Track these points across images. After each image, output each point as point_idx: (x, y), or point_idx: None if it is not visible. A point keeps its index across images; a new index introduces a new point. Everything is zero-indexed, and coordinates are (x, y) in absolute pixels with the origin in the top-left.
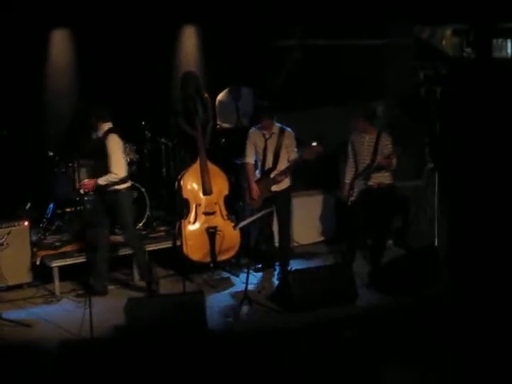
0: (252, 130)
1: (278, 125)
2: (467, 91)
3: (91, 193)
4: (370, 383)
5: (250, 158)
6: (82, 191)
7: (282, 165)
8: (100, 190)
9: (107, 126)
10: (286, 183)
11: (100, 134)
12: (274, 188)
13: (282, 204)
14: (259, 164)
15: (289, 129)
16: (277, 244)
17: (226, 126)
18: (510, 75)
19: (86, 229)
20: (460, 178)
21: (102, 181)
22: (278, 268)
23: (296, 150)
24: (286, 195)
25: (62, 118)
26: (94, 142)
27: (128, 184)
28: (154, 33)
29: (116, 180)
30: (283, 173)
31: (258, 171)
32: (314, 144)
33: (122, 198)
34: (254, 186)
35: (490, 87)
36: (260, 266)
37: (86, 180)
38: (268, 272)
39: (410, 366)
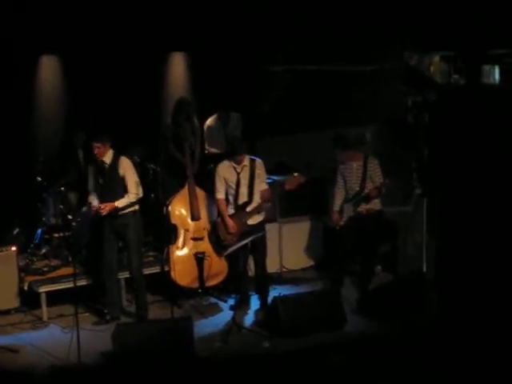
0: (221, 165)
1: (247, 156)
2: (455, 117)
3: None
4: None
5: (222, 194)
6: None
7: (257, 197)
8: (109, 215)
9: (110, 149)
10: (261, 216)
11: (107, 158)
12: (250, 221)
13: (260, 237)
14: (231, 199)
15: (258, 159)
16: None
17: (214, 151)
18: (498, 102)
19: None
20: (448, 204)
21: (120, 203)
22: (253, 301)
23: (265, 179)
24: (261, 228)
25: (50, 144)
26: (98, 168)
27: (138, 206)
28: (142, 59)
29: (135, 200)
30: (260, 207)
31: (230, 206)
32: (296, 174)
33: (135, 219)
34: (230, 221)
35: (478, 113)
36: (233, 303)
37: (101, 204)
38: (241, 310)
39: None
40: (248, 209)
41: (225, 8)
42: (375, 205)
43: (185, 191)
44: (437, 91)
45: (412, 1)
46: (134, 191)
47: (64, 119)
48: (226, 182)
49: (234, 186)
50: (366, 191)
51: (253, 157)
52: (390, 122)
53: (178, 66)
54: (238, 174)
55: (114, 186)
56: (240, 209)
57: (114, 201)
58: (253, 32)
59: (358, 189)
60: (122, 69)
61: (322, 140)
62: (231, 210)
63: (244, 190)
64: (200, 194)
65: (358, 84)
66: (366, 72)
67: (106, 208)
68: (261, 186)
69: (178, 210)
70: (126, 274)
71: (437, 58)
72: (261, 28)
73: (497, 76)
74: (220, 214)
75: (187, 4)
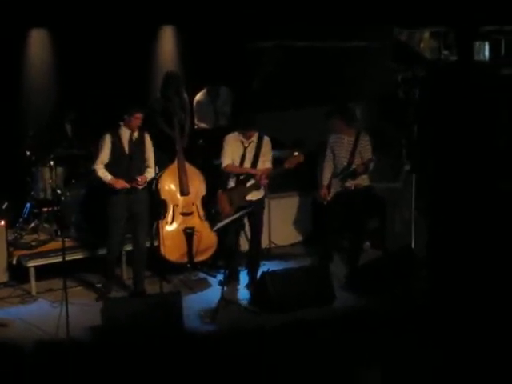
0: (230, 136)
1: (256, 133)
2: (446, 94)
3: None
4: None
5: (228, 161)
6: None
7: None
8: (126, 191)
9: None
10: (260, 193)
11: (134, 129)
12: (249, 197)
13: (255, 213)
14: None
15: (266, 137)
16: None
17: (203, 126)
18: (488, 79)
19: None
20: (437, 180)
21: (149, 176)
22: (242, 276)
23: (271, 158)
24: (260, 205)
25: (40, 119)
26: (120, 140)
27: None
28: (132, 33)
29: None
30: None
31: (231, 179)
32: (296, 154)
33: (148, 194)
34: (251, 170)
35: (469, 90)
36: (222, 278)
37: (140, 177)
38: (230, 285)
39: (386, 366)
40: (248, 184)
41: None
42: (363, 180)
43: (174, 166)
44: (427, 67)
45: None
46: (154, 165)
47: (53, 94)
48: (232, 154)
49: (238, 160)
50: (354, 167)
51: (261, 134)
52: (379, 98)
53: (167, 40)
54: (245, 148)
55: (140, 159)
56: (240, 183)
57: (139, 174)
58: (243, 7)
59: (345, 164)
60: (112, 43)
61: (312, 116)
62: (232, 183)
63: (248, 164)
64: (189, 168)
65: (348, 60)
66: (356, 48)
67: (142, 180)
68: (264, 164)
69: (168, 185)
70: (129, 247)
71: (427, 35)
72: (252, 3)
73: (487, 52)
74: (237, 174)
75: None
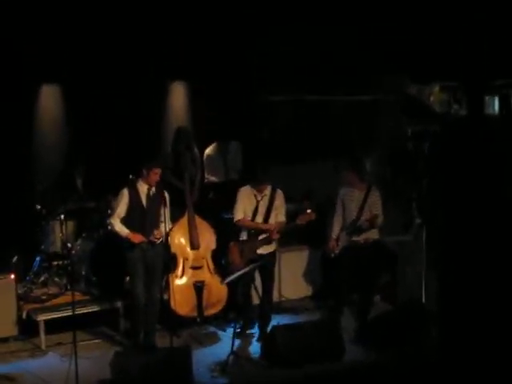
0: (244, 189)
1: (269, 186)
2: (457, 148)
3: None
4: None
5: (241, 215)
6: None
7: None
8: (142, 246)
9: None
10: (272, 246)
11: (152, 184)
12: (260, 251)
13: (267, 267)
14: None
15: (279, 190)
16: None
17: (213, 179)
18: (499, 133)
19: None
20: (447, 233)
21: (165, 230)
22: (256, 329)
23: (284, 212)
24: (272, 258)
25: (50, 173)
26: (137, 195)
27: None
28: (143, 88)
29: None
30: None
31: (244, 233)
32: (309, 211)
33: (163, 250)
34: (264, 225)
35: (480, 145)
36: (233, 332)
37: (156, 231)
38: (245, 337)
39: None
40: (260, 237)
41: (227, 38)
42: (373, 234)
43: (184, 220)
44: (437, 121)
45: (413, 31)
46: (169, 221)
47: (64, 148)
48: (244, 207)
49: (251, 213)
50: (360, 222)
51: (275, 186)
52: (390, 151)
53: (178, 96)
54: (258, 201)
55: (157, 214)
56: (252, 236)
57: (156, 228)
58: (253, 63)
59: (354, 218)
60: (123, 98)
61: (321, 170)
62: (244, 236)
63: (260, 218)
64: (200, 222)
65: (357, 114)
66: (365, 102)
67: (159, 234)
68: (277, 217)
69: (178, 238)
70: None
71: (437, 88)
72: (262, 59)
73: (497, 106)
74: (248, 228)
75: (190, 33)
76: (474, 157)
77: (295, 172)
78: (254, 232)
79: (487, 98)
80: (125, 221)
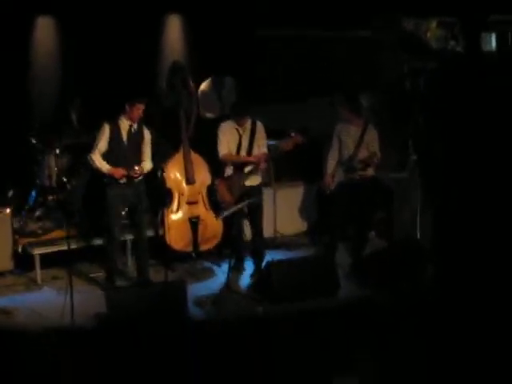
0: (225, 124)
1: (249, 119)
2: (455, 85)
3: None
4: (344, 373)
5: (225, 149)
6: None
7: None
8: (122, 185)
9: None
10: (258, 179)
11: (135, 120)
12: (248, 183)
13: (254, 201)
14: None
15: (259, 122)
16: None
17: (208, 115)
18: (495, 69)
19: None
20: (444, 170)
21: (147, 168)
22: (248, 263)
23: (265, 143)
24: (259, 190)
25: (46, 107)
26: (118, 131)
27: None
28: (138, 21)
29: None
30: (257, 168)
31: (229, 167)
32: (293, 134)
33: (145, 187)
34: (248, 158)
35: (477, 81)
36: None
37: (137, 167)
38: (235, 274)
39: (385, 359)
40: (246, 170)
41: None
42: (369, 170)
43: (180, 155)
44: (434, 57)
45: None
46: (150, 159)
47: (59, 82)
48: (228, 142)
49: (235, 147)
50: (358, 159)
51: (254, 119)
52: (386, 88)
53: (174, 29)
54: (240, 135)
55: (137, 151)
56: (238, 170)
57: (137, 165)
58: None
59: (351, 153)
60: (118, 31)
61: (317, 107)
62: (229, 171)
63: (243, 151)
64: (195, 157)
65: (353, 50)
66: (362, 38)
67: (140, 171)
68: (260, 149)
69: (173, 173)
70: (130, 236)
71: (434, 24)
72: None
73: (494, 43)
74: (234, 162)
75: None
76: (471, 93)
77: (292, 109)
78: (240, 165)
79: (485, 34)
80: (105, 156)
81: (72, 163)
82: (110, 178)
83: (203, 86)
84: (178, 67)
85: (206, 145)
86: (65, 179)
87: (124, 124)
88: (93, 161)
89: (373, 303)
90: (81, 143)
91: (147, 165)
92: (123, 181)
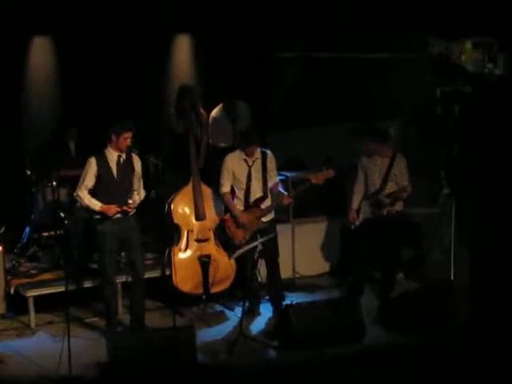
0: (231, 156)
1: (258, 148)
2: (492, 112)
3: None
4: None
5: (228, 187)
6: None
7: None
8: (113, 221)
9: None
10: (272, 213)
11: (123, 150)
12: (264, 219)
13: (271, 237)
14: (240, 194)
15: (269, 151)
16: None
17: (220, 144)
18: None
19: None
20: (479, 204)
21: (138, 201)
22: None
23: (276, 172)
24: (273, 226)
25: (41, 135)
26: (106, 163)
27: None
28: (144, 42)
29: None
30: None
31: (239, 203)
32: (325, 169)
33: (137, 221)
34: (242, 213)
35: None
36: (241, 311)
37: (131, 200)
38: (250, 318)
39: None
40: (263, 205)
41: None
42: (397, 205)
43: (189, 188)
44: (469, 82)
45: None
46: (142, 190)
47: (56, 109)
48: (235, 176)
49: (244, 181)
50: (386, 193)
51: (263, 149)
52: (416, 115)
53: (182, 50)
54: (250, 167)
55: (128, 183)
56: (253, 205)
57: (125, 200)
58: (264, 15)
59: (378, 187)
60: (122, 52)
61: (339, 134)
62: (239, 206)
63: (256, 184)
64: (206, 191)
65: (378, 73)
66: (381, 60)
67: (134, 204)
68: (271, 179)
69: (182, 208)
70: (123, 279)
71: (468, 45)
72: (273, 11)
73: None
74: (229, 209)
75: None
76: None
77: (309, 137)
78: (256, 200)
79: None
80: (93, 193)
81: (70, 196)
82: (102, 214)
83: (214, 112)
84: (186, 90)
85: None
86: (62, 214)
87: (112, 155)
88: (81, 198)
89: (402, 350)
90: (79, 174)
91: (140, 196)
92: (117, 216)
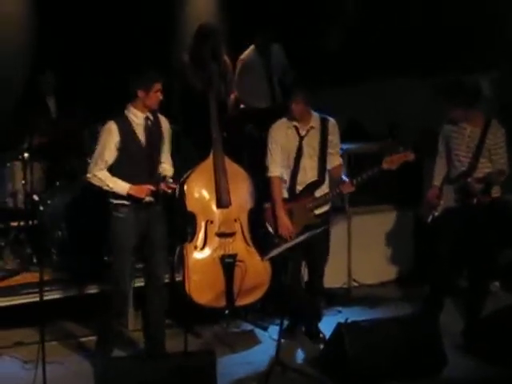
0: (278, 125)
1: (316, 114)
2: None
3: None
4: None
5: (277, 168)
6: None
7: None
8: (142, 204)
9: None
10: (328, 205)
11: (154, 106)
12: (318, 211)
13: (321, 233)
14: (286, 175)
15: (332, 119)
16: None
17: (253, 103)
18: None
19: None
20: None
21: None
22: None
23: (339, 150)
24: (326, 220)
25: (10, 89)
26: (129, 126)
27: None
28: None
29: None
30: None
31: (284, 187)
32: (401, 149)
33: (162, 211)
34: (285, 219)
35: None
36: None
37: (171, 179)
38: (296, 338)
39: None
40: (317, 193)
41: None
42: (492, 192)
43: (208, 164)
44: None
45: None
46: (170, 162)
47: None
48: (283, 151)
49: (292, 157)
50: (477, 175)
51: (325, 116)
52: None
53: None
54: (302, 138)
55: (157, 154)
56: (305, 192)
57: (154, 176)
58: None
59: (467, 164)
60: None
61: (412, 90)
62: (285, 193)
63: (308, 163)
64: (232, 168)
65: (470, 9)
66: None
67: (176, 182)
68: (332, 159)
69: (198, 191)
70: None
71: None
72: None
73: None
74: (272, 200)
75: None
76: None
77: (372, 94)
78: (309, 185)
79: None
80: (115, 170)
81: (47, 173)
82: (130, 198)
83: (244, 55)
84: (206, 32)
85: (249, 149)
86: (36, 197)
87: (137, 118)
88: (100, 180)
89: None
90: (60, 143)
91: (169, 170)
92: (148, 199)
